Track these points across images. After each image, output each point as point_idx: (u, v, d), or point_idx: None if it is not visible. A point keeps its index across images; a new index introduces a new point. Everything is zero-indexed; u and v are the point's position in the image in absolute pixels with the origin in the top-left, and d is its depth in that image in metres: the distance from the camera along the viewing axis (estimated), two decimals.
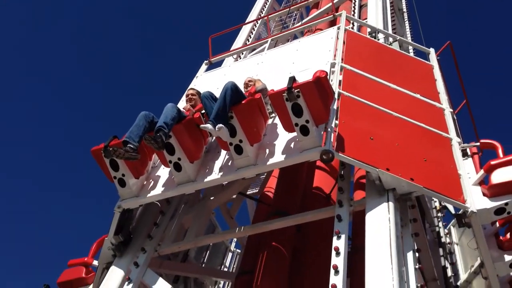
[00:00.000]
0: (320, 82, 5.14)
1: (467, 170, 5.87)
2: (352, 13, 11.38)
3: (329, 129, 5.36)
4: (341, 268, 4.79)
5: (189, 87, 7.16)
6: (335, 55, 6.92)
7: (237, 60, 9.42)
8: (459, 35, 35.20)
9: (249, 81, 6.27)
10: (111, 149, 5.38)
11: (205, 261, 8.49)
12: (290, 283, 6.46)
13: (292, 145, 5.50)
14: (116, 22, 39.60)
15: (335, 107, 5.77)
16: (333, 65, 6.69)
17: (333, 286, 4.67)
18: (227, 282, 9.37)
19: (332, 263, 4.85)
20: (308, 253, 6.73)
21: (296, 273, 6.64)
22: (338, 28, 7.84)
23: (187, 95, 6.57)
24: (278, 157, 5.47)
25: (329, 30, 8.09)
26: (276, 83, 6.60)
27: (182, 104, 7.07)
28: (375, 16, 9.16)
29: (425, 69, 7.90)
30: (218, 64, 9.14)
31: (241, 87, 6.02)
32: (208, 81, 8.24)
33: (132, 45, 40.32)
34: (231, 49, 9.72)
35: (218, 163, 5.87)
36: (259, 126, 5.57)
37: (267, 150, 5.63)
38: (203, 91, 5.98)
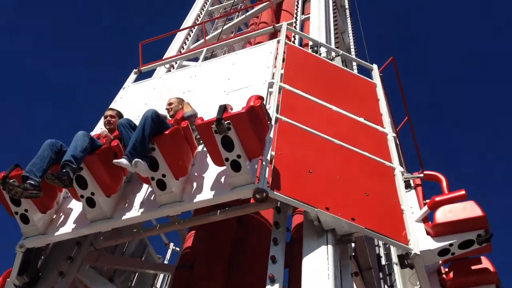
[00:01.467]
0: (254, 112, 4.56)
1: (410, 204, 5.50)
2: (296, 8, 10.70)
3: (263, 163, 4.80)
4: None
5: (109, 106, 6.38)
6: (273, 74, 6.36)
7: (170, 70, 8.69)
8: (401, 49, 35.38)
9: (170, 104, 5.65)
10: (10, 181, 4.57)
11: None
12: (230, 274, 6.16)
13: (223, 179, 4.90)
14: None
15: (271, 135, 5.22)
16: (271, 85, 6.14)
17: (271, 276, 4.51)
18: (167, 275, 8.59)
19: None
20: (248, 244, 6.37)
21: (236, 263, 6.22)
22: (278, 42, 7.29)
23: (105, 117, 5.77)
24: (207, 194, 4.85)
25: (268, 43, 7.51)
26: (208, 103, 6.02)
27: (101, 125, 6.31)
28: (317, 28, 8.68)
29: (368, 88, 7.51)
30: (149, 74, 8.39)
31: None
32: (136, 93, 7.51)
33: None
34: (164, 57, 8.97)
35: (139, 197, 5.19)
36: (186, 158, 4.94)
37: (195, 184, 5.01)
38: (127, 109, 5.29)
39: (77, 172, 4.65)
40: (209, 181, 4.95)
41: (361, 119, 6.42)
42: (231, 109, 4.71)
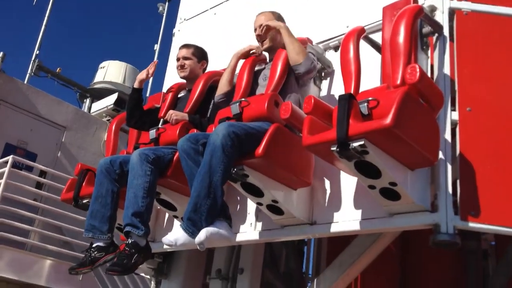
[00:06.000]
0: (410, 107, 2.27)
1: None
2: None
3: (442, 170, 2.60)
4: None
5: (181, 45, 4.15)
6: None
7: None
8: None
9: (260, 27, 3.22)
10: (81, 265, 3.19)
11: None
12: None
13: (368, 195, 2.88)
14: None
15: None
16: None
17: None
18: None
19: None
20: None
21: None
22: None
23: (177, 59, 3.76)
24: (348, 219, 2.93)
25: None
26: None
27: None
28: None
29: None
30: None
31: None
32: (197, 33, 4.87)
33: None
34: None
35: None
36: (303, 162, 2.96)
37: (327, 196, 3.09)
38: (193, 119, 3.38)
39: (147, 236, 3.02)
40: (347, 195, 2.98)
41: None
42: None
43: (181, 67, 3.70)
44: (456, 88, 2.86)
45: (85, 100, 11.93)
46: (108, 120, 10.10)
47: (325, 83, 3.52)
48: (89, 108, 11.31)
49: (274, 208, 3.02)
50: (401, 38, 2.55)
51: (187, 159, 2.73)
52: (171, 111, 3.40)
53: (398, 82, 2.45)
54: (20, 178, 7.54)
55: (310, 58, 2.94)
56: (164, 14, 12.65)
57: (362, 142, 2.26)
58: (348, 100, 2.33)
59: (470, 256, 4.21)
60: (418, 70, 2.28)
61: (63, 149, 9.40)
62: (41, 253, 7.58)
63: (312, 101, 2.60)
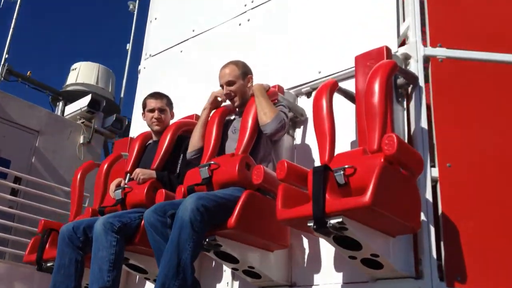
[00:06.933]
0: (389, 179, 2.13)
1: None
2: None
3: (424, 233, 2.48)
4: None
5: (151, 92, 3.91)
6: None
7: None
8: None
9: (228, 84, 3.05)
10: None
11: None
12: None
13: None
14: None
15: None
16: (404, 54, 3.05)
17: None
18: None
19: None
20: None
21: None
22: None
23: (150, 110, 3.50)
24: (329, 285, 2.78)
25: None
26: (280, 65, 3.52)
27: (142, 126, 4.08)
28: None
29: None
30: None
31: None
32: (163, 70, 4.71)
33: None
34: None
35: None
36: (277, 228, 2.79)
37: (305, 259, 2.93)
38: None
39: None
40: (327, 256, 2.83)
41: None
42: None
43: (158, 121, 3.49)
44: (435, 142, 2.74)
45: (58, 103, 11.56)
46: (82, 122, 9.80)
47: (298, 132, 3.37)
48: (63, 112, 10.96)
49: (251, 273, 2.86)
50: (375, 98, 2.42)
51: (154, 234, 2.55)
52: (137, 170, 3.20)
53: (375, 147, 2.31)
54: None
55: (279, 118, 2.78)
56: (135, 12, 12.34)
57: (340, 220, 2.11)
58: (323, 173, 2.18)
59: None
60: (395, 140, 2.15)
61: (37, 154, 8.97)
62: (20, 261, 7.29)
63: (285, 166, 2.45)
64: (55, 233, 3.50)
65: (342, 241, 2.31)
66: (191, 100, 3.99)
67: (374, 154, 2.30)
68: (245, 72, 3.06)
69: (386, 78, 2.47)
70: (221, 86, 3.07)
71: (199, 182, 2.73)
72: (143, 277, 3.36)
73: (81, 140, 9.84)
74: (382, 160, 2.17)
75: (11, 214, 7.36)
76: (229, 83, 3.01)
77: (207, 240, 2.56)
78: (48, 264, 3.41)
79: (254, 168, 2.61)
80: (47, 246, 3.48)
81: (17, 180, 8.10)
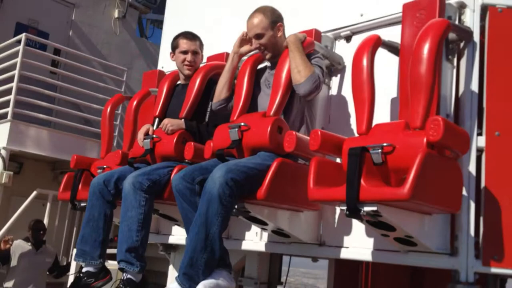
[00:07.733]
0: (430, 167, 1.96)
1: None
2: None
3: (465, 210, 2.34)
4: None
5: (182, 32, 3.68)
6: None
7: None
8: None
9: (257, 37, 2.79)
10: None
11: None
12: None
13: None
14: None
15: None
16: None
17: None
18: None
19: None
20: None
21: None
22: None
23: (184, 52, 3.30)
24: (359, 249, 2.73)
25: None
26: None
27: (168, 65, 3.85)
28: None
29: None
30: None
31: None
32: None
33: None
34: None
35: None
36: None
37: (336, 220, 2.86)
38: None
39: (143, 270, 2.84)
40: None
41: None
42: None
43: (190, 64, 3.28)
44: (484, 107, 2.50)
45: None
46: None
47: (335, 80, 3.14)
48: None
49: (280, 233, 2.83)
50: (423, 68, 2.17)
51: (182, 201, 2.49)
52: (165, 121, 3.08)
53: (419, 124, 2.11)
54: (34, 56, 7.43)
55: (314, 77, 2.55)
56: None
57: (375, 208, 1.98)
58: (359, 156, 2.02)
59: None
60: (441, 125, 1.94)
61: (74, 28, 9.11)
62: (64, 130, 7.69)
63: (319, 136, 2.29)
64: (88, 174, 3.54)
65: (375, 222, 2.21)
66: (222, 35, 3.75)
67: (416, 131, 2.11)
68: (274, 20, 2.77)
69: (437, 43, 2.20)
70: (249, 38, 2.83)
71: (229, 145, 2.61)
72: (173, 224, 3.39)
73: (116, 15, 9.66)
74: (424, 144, 1.98)
75: (53, 85, 7.73)
76: (258, 36, 2.76)
77: (236, 207, 2.50)
78: (82, 204, 3.46)
79: (286, 134, 2.46)
80: (80, 188, 3.52)
81: (56, 52, 8.33)
